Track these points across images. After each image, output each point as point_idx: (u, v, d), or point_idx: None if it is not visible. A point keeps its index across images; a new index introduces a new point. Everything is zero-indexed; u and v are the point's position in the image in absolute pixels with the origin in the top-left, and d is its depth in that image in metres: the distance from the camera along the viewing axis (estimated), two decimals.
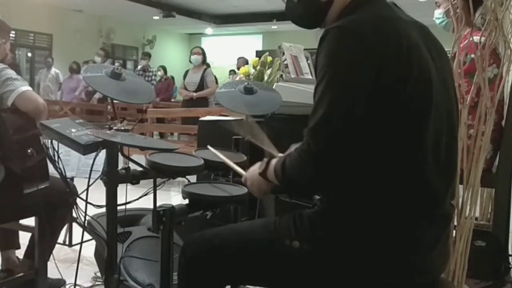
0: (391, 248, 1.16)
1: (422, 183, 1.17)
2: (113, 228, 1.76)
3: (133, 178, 1.75)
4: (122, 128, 1.71)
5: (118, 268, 1.79)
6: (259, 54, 6.38)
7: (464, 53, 1.93)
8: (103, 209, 1.76)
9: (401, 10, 1.30)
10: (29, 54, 11.44)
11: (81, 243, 1.75)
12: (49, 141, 1.79)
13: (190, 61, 6.29)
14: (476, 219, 2.43)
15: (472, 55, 1.93)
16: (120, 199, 1.75)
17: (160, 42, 14.82)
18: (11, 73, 2.14)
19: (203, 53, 6.25)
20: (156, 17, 12.43)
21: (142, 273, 1.91)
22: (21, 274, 2.21)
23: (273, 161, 1.28)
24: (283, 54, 2.71)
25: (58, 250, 2.89)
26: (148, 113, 6.08)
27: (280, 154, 1.41)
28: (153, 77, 8.08)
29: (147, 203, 1.82)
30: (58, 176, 1.81)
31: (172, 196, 4.54)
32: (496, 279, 2.17)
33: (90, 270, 2.61)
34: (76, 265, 1.76)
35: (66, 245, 3.11)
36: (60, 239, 2.81)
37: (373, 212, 1.15)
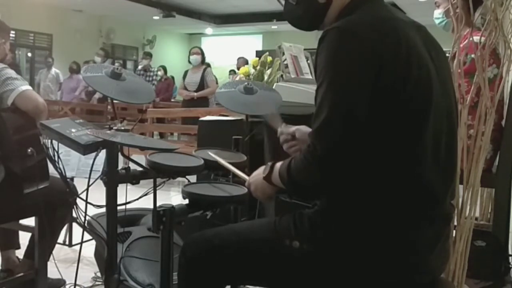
0: (391, 248, 1.16)
1: (422, 183, 1.17)
2: (113, 228, 1.77)
3: (133, 178, 1.75)
4: (122, 128, 1.71)
5: (118, 268, 1.79)
6: (259, 54, 6.37)
7: (464, 53, 1.93)
8: (103, 209, 1.76)
9: (400, 11, 1.30)
10: (29, 54, 11.44)
11: (81, 243, 1.75)
12: (49, 141, 1.79)
13: (189, 62, 6.29)
14: (476, 219, 2.43)
15: (472, 55, 1.94)
16: (120, 199, 1.75)
17: (160, 42, 14.82)
18: (11, 72, 2.14)
19: (202, 53, 6.24)
20: (156, 17, 12.44)
21: (142, 273, 1.91)
22: (21, 274, 2.21)
23: (278, 165, 1.28)
24: (283, 54, 2.71)
25: (58, 250, 2.89)
26: (148, 113, 6.08)
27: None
28: (154, 77, 8.08)
29: (147, 203, 1.82)
30: (58, 176, 1.81)
31: (172, 196, 4.54)
32: (496, 279, 2.17)
33: (90, 270, 2.60)
34: (76, 265, 1.76)
35: (66, 245, 3.11)
36: (60, 239, 2.81)
37: (372, 212, 1.16)
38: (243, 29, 14.43)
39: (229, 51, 14.00)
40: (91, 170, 1.70)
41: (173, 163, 1.64)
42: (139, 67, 8.79)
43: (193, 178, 1.79)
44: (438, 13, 2.47)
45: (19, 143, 1.96)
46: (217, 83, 6.81)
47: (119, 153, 1.72)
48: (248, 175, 1.45)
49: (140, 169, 1.74)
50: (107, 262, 1.76)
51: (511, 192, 2.24)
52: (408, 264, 1.19)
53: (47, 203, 2.04)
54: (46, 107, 2.15)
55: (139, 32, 14.28)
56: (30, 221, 2.18)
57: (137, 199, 1.80)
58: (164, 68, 9.45)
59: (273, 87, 2.47)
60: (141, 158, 1.80)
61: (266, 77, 2.89)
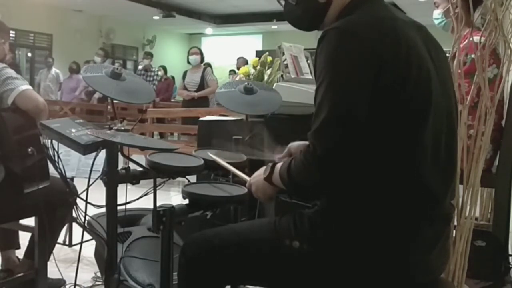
0: (391, 248, 1.16)
1: (421, 183, 1.17)
2: (113, 228, 1.77)
3: (133, 178, 1.75)
4: (122, 128, 1.71)
5: (118, 268, 1.79)
6: (259, 54, 6.38)
7: (464, 53, 1.93)
8: (103, 209, 1.76)
9: (400, 11, 1.30)
10: (29, 54, 11.44)
11: (81, 243, 1.75)
12: (49, 141, 1.79)
13: (188, 62, 6.28)
14: (476, 219, 2.44)
15: (472, 55, 1.94)
16: (120, 199, 1.76)
17: (160, 42, 14.82)
18: (11, 72, 2.14)
19: (201, 53, 6.25)
20: (156, 17, 12.43)
21: (142, 273, 1.91)
22: (21, 274, 2.21)
23: (278, 166, 1.28)
24: (283, 54, 2.71)
25: (58, 250, 2.89)
26: (148, 113, 6.08)
27: None
28: (155, 77, 8.08)
29: (147, 203, 1.82)
30: (58, 176, 1.81)
31: (172, 196, 4.54)
32: (496, 279, 2.17)
33: (90, 270, 2.61)
34: (76, 265, 1.76)
35: (66, 245, 3.11)
36: (60, 239, 2.81)
37: (372, 212, 1.16)
38: (243, 29, 14.42)
39: (229, 51, 14.00)
40: (91, 170, 1.70)
41: (173, 163, 1.64)
42: (140, 67, 8.78)
43: (193, 178, 1.79)
44: (437, 13, 2.47)
45: (19, 143, 1.96)
46: (217, 83, 6.82)
47: (119, 153, 1.72)
48: (248, 175, 1.45)
49: (140, 169, 1.74)
50: (107, 262, 1.76)
51: (511, 192, 2.24)
52: (408, 264, 1.19)
53: (47, 203, 2.04)
54: (46, 107, 2.15)
55: (139, 32, 14.28)
56: (30, 221, 2.18)
57: (137, 199, 1.80)
58: (164, 68, 9.45)
59: (273, 87, 2.46)
60: (141, 158, 1.80)
61: (266, 77, 2.89)
